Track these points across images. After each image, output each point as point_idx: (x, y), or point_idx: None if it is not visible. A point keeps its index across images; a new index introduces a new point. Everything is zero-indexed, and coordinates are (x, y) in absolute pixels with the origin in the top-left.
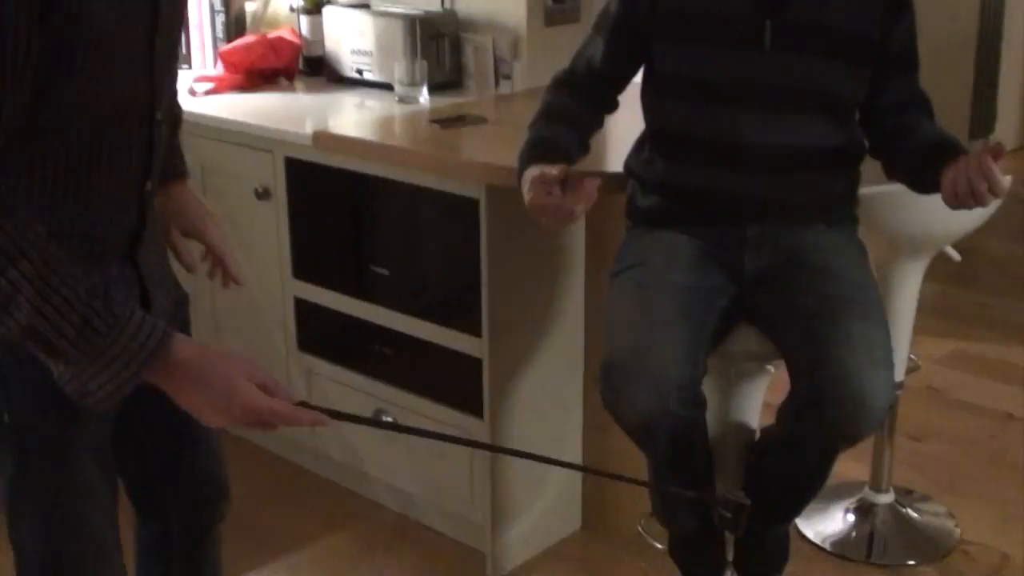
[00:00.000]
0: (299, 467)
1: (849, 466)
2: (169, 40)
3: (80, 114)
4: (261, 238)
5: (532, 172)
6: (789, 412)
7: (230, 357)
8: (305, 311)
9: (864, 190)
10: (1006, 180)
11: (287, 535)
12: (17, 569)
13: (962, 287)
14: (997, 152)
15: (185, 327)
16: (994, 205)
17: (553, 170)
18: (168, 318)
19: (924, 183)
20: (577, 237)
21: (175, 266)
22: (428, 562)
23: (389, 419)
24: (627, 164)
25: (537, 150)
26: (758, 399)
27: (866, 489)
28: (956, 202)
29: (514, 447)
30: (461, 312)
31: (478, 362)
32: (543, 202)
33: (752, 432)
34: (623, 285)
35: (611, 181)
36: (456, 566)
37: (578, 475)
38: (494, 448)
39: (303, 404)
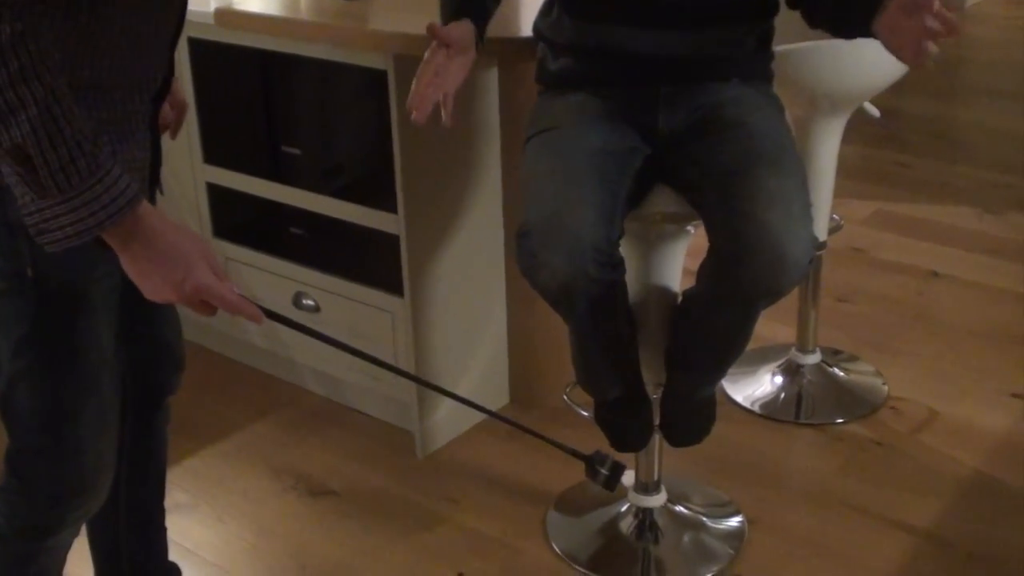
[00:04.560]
0: (225, 358)
1: (775, 328)
2: None
3: None
4: None
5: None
6: (708, 270)
7: (191, 235)
8: (218, 196)
9: (779, 47)
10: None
11: (215, 424)
12: (8, 431)
13: (883, 148)
14: None
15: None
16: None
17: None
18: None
19: (852, 24)
20: (491, 106)
21: None
22: (357, 444)
23: (311, 302)
24: (536, 27)
25: (452, 5)
26: (678, 262)
27: (793, 351)
28: (911, 51)
29: (437, 322)
30: (376, 190)
31: (395, 239)
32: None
33: (674, 295)
34: (536, 150)
35: (521, 47)
36: (385, 447)
37: (504, 349)
38: (417, 380)
39: (245, 298)
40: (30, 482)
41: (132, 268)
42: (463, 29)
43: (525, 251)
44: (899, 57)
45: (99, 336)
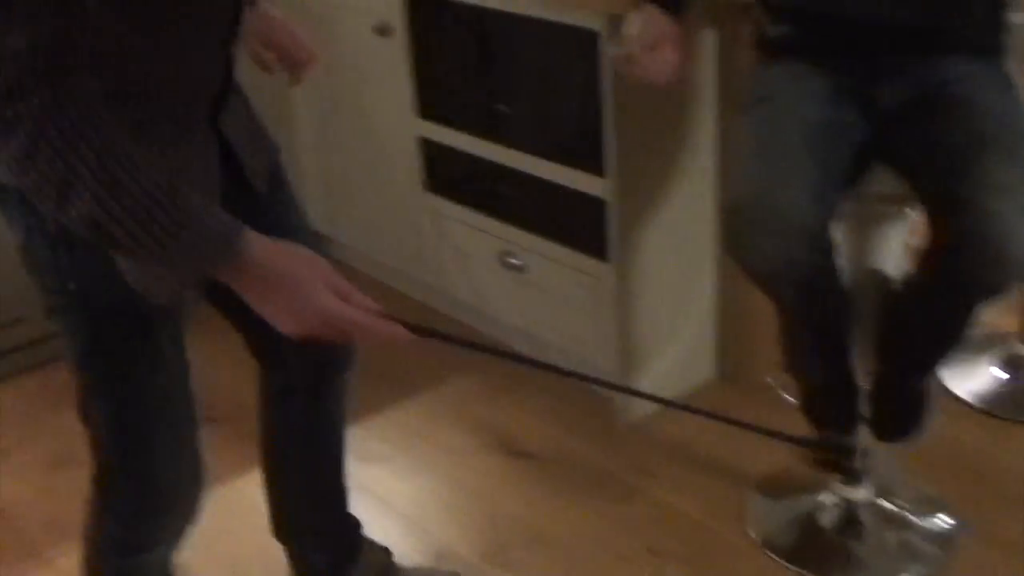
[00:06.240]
0: (429, 307)
1: (998, 316)
2: None
3: None
4: (382, 77)
5: (633, 19)
6: (925, 259)
7: (306, 259)
8: (430, 151)
9: (1017, 17)
10: None
11: (420, 376)
12: (91, 446)
13: None
14: None
15: (282, 182)
16: None
17: (647, 41)
18: (263, 177)
19: None
20: (708, 71)
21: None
22: (558, 407)
23: (517, 261)
24: None
25: None
26: (897, 245)
27: (1016, 342)
28: None
29: (642, 290)
30: (585, 152)
31: (603, 203)
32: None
33: (890, 280)
34: (750, 122)
35: (740, 9)
36: (586, 412)
37: (712, 321)
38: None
39: (383, 315)
40: (112, 498)
41: (251, 303)
42: (656, 25)
43: (732, 230)
44: None
45: (161, 353)
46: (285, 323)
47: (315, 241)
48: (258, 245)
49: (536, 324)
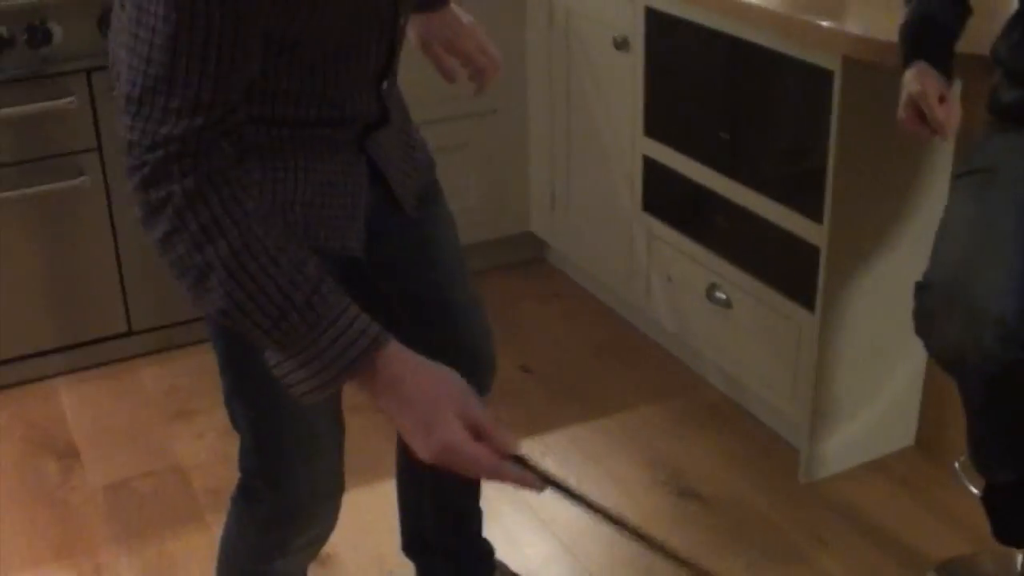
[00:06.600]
0: (630, 325)
1: None
2: None
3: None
4: (617, 90)
5: (912, 77)
6: None
7: (445, 384)
8: (652, 171)
9: None
10: None
11: (608, 397)
12: (239, 453)
13: None
14: None
15: (435, 199)
16: None
17: (933, 93)
18: (413, 196)
19: None
20: None
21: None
22: (740, 450)
23: (722, 296)
24: (994, 49)
25: (919, 30)
26: None
27: None
28: None
29: (844, 348)
30: (804, 194)
31: (816, 250)
32: (915, 128)
33: None
34: (963, 190)
35: (981, 66)
36: (769, 461)
37: (918, 387)
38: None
39: (517, 459)
40: (249, 501)
41: (385, 411)
42: (928, 81)
43: (921, 306)
44: None
45: None
46: (413, 442)
47: (461, 259)
48: (396, 359)
49: (735, 364)
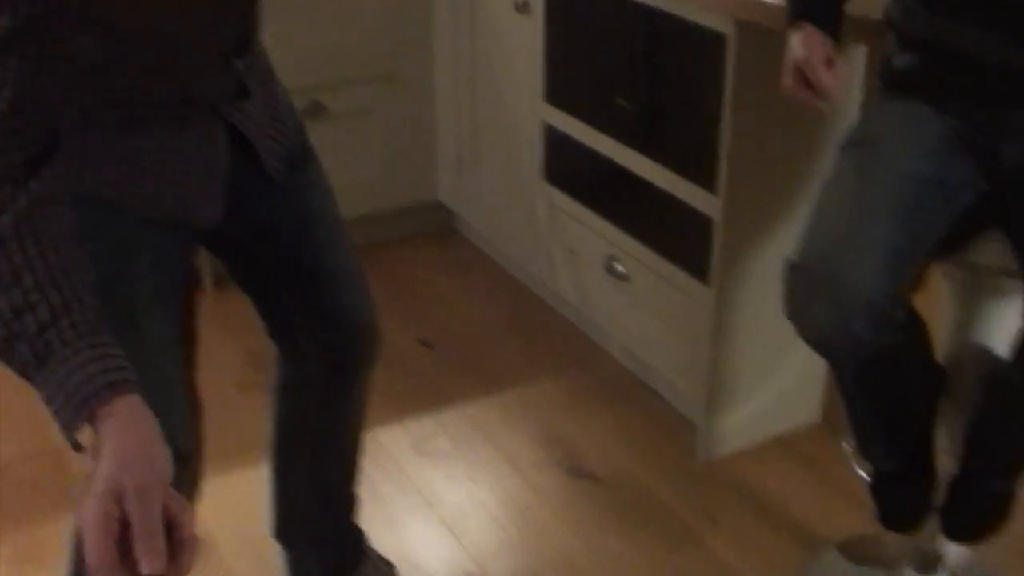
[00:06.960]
0: (537, 298)
1: None
2: None
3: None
4: (519, 55)
5: (798, 42)
6: (1021, 344)
7: (150, 465)
8: (554, 139)
9: None
10: None
11: (506, 371)
12: None
13: None
14: None
15: (305, 164)
16: None
17: (818, 57)
18: (279, 163)
19: None
20: (850, 88)
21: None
22: (639, 427)
23: (621, 269)
24: (887, 11)
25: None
26: (1008, 322)
27: None
28: None
29: (742, 322)
30: (700, 164)
31: (710, 222)
32: (800, 95)
33: (995, 361)
34: (843, 162)
35: (872, 31)
36: (667, 438)
37: (820, 361)
38: None
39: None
40: None
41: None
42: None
43: (789, 290)
44: None
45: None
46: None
47: (336, 226)
48: (118, 419)
49: (634, 338)
